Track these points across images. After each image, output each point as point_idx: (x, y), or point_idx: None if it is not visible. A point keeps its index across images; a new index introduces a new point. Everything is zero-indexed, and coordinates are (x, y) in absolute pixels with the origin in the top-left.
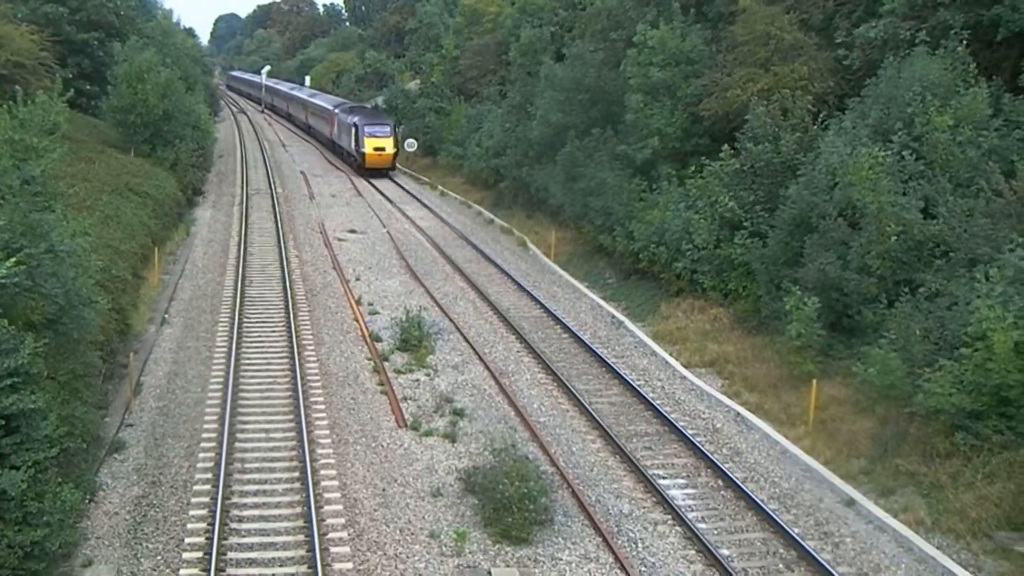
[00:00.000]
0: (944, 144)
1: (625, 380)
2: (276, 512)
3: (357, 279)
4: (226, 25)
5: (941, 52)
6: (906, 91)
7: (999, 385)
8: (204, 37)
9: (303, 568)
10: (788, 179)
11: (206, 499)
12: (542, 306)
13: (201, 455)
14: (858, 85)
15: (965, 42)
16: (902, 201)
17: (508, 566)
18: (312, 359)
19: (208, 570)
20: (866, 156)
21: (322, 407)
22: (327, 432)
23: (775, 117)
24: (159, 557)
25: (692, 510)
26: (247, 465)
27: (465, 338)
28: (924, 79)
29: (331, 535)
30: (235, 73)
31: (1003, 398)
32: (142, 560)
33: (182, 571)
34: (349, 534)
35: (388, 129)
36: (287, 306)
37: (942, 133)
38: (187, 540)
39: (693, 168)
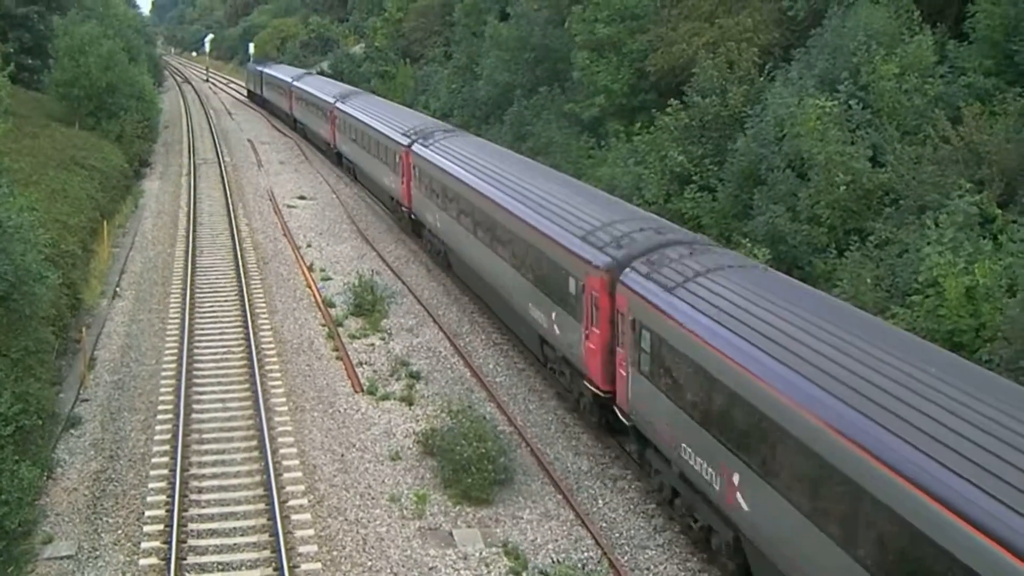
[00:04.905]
0: (890, 92)
1: None
2: (236, 482)
3: (308, 245)
4: None
5: (885, 0)
6: (851, 40)
7: (951, 331)
8: (145, 6)
9: (265, 536)
10: (736, 132)
11: (165, 471)
12: None
13: (158, 427)
14: (803, 36)
15: None
16: (850, 150)
17: (469, 527)
18: (266, 327)
19: (170, 542)
20: (813, 107)
21: (278, 375)
22: (284, 400)
23: (721, 70)
24: (120, 531)
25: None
26: (205, 436)
27: (419, 301)
28: (869, 28)
29: (291, 502)
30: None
31: (956, 343)
32: (103, 535)
33: (144, 544)
34: (309, 501)
35: None
36: (239, 275)
37: (888, 81)
38: (147, 513)
39: (640, 124)
